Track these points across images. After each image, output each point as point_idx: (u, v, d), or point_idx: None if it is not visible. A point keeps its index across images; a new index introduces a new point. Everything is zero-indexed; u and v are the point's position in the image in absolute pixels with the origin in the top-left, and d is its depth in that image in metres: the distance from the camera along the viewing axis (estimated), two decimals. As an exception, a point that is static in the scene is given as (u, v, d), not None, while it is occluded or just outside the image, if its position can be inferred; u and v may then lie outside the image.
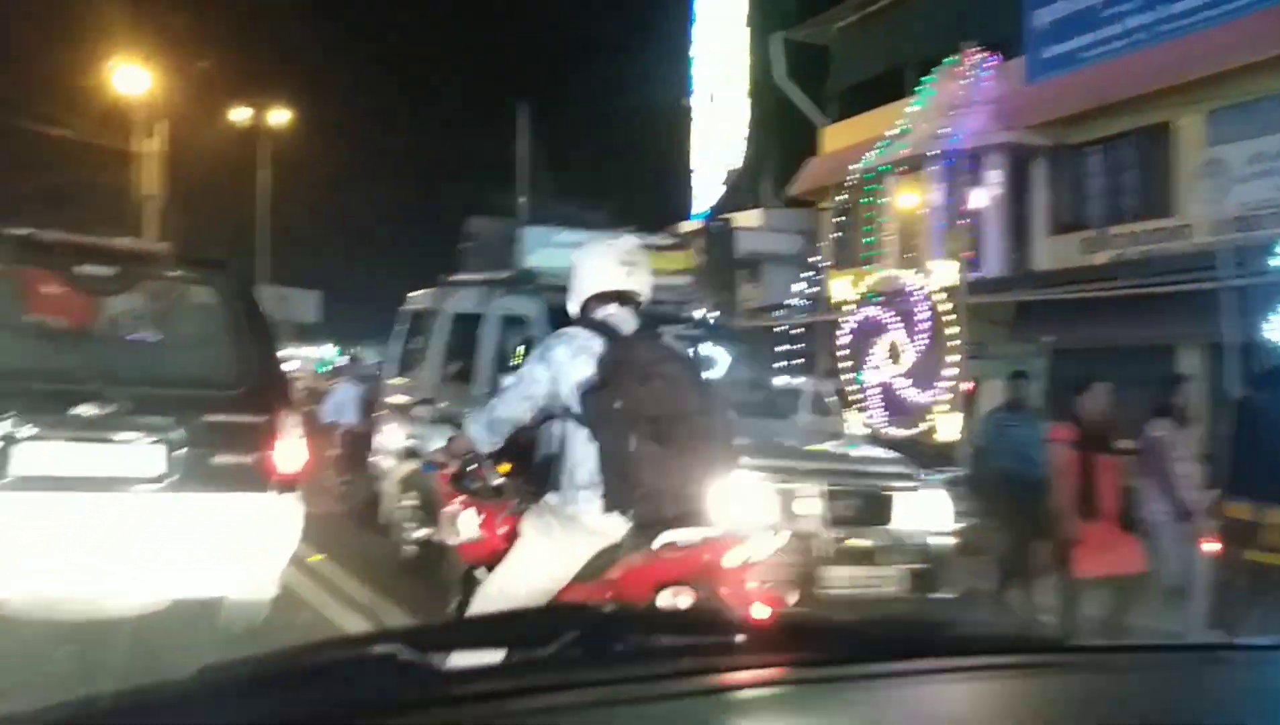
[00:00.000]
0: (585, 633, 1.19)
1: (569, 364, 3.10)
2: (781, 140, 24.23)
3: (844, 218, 19.16)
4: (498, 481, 3.34)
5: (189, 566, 4.52)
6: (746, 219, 22.67)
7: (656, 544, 2.98)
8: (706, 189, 27.56)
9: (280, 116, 40.17)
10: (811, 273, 18.77)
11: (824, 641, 1.37)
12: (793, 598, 3.22)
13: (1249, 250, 12.78)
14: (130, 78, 21.62)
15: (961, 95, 16.64)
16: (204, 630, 4.69)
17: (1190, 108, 14.15)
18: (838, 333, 11.62)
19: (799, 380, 17.52)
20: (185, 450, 4.48)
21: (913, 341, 10.64)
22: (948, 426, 10.36)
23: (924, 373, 10.53)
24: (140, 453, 4.45)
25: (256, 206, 38.85)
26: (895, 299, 10.96)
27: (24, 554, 4.26)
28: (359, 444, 9.13)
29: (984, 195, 16.08)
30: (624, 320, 3.20)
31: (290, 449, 4.73)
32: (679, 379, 3.08)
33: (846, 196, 18.17)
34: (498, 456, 3.31)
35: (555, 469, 3.13)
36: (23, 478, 4.27)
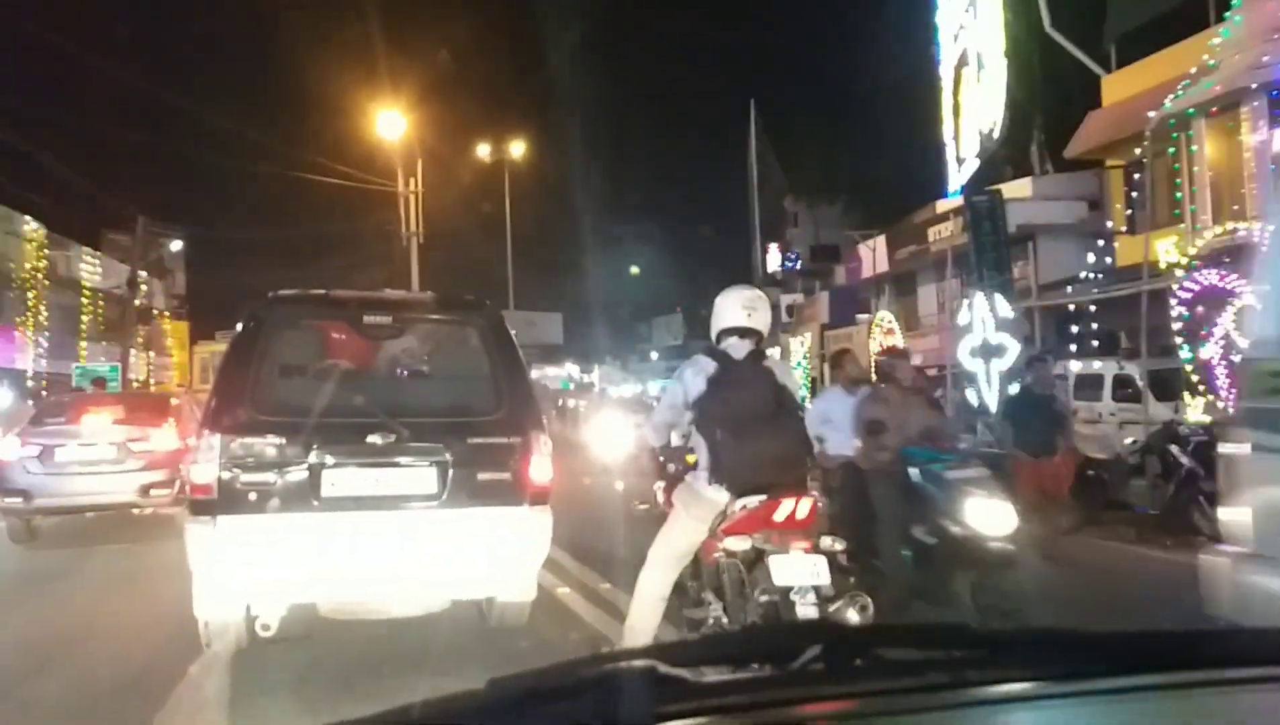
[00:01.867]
0: (828, 647, 1.22)
1: (691, 381, 4.40)
2: (1048, 99, 21.84)
3: (1140, 175, 16.79)
4: (672, 467, 4.98)
5: (463, 572, 5.17)
6: (1014, 190, 20.52)
7: (736, 506, 4.27)
8: (963, 163, 25.45)
9: (518, 148, 41.87)
10: (1103, 241, 16.56)
11: (1075, 653, 1.35)
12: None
13: None
14: (390, 123, 22.61)
15: (1282, 15, 13.99)
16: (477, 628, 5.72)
17: None
18: (1173, 303, 9.71)
19: (1097, 363, 15.51)
20: (456, 470, 5.07)
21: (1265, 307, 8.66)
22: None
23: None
24: (420, 474, 5.07)
25: (504, 236, 40.49)
26: (1246, 256, 8.97)
27: (332, 565, 4.96)
28: None
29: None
30: (737, 348, 4.45)
31: (541, 465, 5.23)
32: (759, 391, 4.32)
33: (1144, 150, 15.85)
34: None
35: (696, 459, 4.50)
36: (330, 499, 4.94)
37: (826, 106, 36.73)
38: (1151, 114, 15.67)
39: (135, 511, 9.96)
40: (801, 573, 4.08)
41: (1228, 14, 15.05)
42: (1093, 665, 1.29)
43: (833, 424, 6.67)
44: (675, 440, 4.88)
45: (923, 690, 1.22)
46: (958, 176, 25.60)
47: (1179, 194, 15.04)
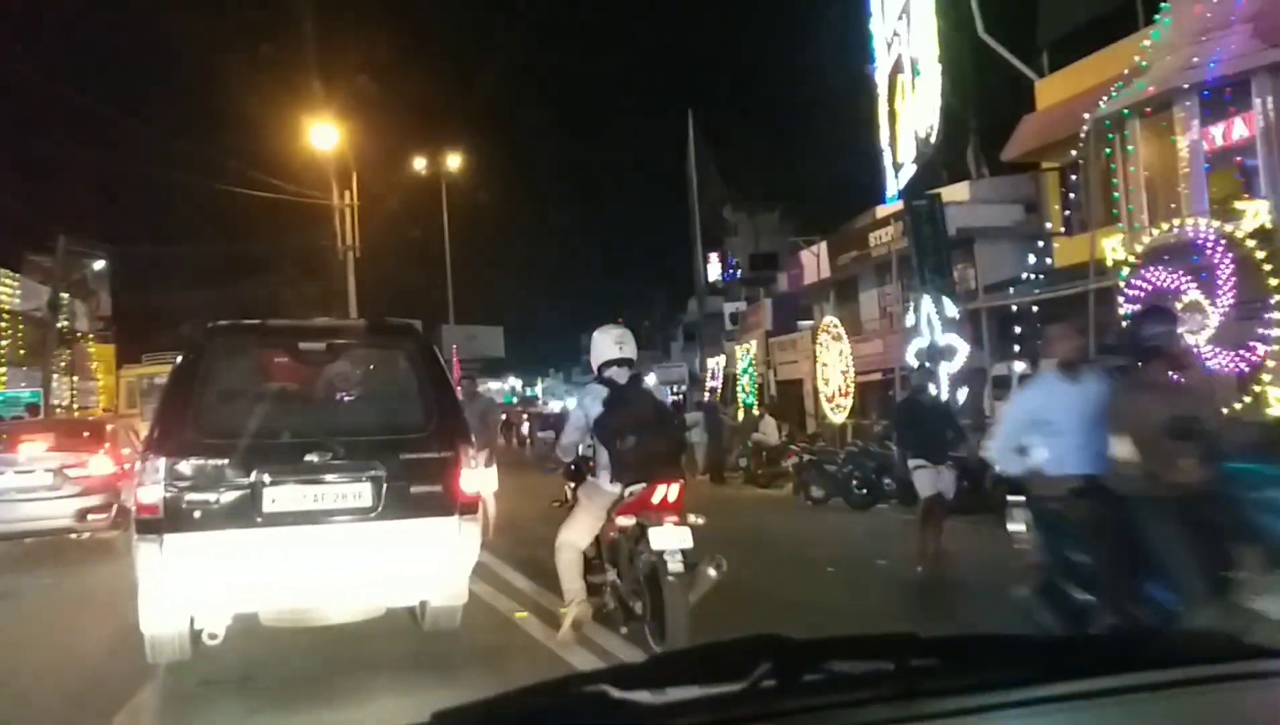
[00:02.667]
0: (778, 663, 1.21)
1: (590, 406, 5.76)
2: (982, 104, 22.06)
3: (1077, 176, 16.99)
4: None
5: (398, 580, 5.56)
6: (952, 194, 20.66)
7: (626, 494, 5.65)
8: (900, 169, 25.67)
9: (455, 160, 41.34)
10: (1043, 242, 16.72)
11: (1023, 659, 1.36)
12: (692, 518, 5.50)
13: None
14: (323, 135, 22.03)
15: (1210, 17, 14.25)
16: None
17: None
18: (1120, 301, 9.74)
19: (1016, 366, 15.62)
20: (390, 485, 5.44)
21: (1215, 302, 8.70)
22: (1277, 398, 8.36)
23: (1234, 338, 8.58)
24: (356, 489, 5.42)
25: (443, 250, 39.93)
26: (1186, 254, 9.03)
27: (273, 576, 5.29)
28: None
29: (1250, 128, 13.71)
30: (620, 375, 5.86)
31: (470, 478, 5.63)
32: (641, 406, 5.74)
33: (1080, 151, 16.04)
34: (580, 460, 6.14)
35: (594, 462, 5.88)
36: (270, 514, 5.27)
37: (764, 115, 36.89)
38: (1086, 116, 15.88)
39: (73, 536, 10.24)
40: (671, 539, 5.40)
41: (1157, 16, 15.33)
42: (1041, 671, 1.29)
43: (1052, 426, 4.80)
44: (583, 449, 6.13)
45: (874, 702, 1.21)
46: (895, 182, 25.86)
47: (1116, 194, 15.21)
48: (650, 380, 36.60)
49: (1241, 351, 8.54)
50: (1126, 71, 15.47)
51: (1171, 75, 14.30)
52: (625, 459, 5.57)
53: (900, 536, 10.97)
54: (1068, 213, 17.10)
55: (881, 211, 23.84)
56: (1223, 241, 8.63)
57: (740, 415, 20.42)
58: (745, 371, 21.86)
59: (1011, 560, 5.79)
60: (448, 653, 5.82)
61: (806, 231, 35.68)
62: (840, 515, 13.07)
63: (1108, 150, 15.45)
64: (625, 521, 5.62)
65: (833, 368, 16.68)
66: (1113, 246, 11.20)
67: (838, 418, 16.68)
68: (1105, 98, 15.43)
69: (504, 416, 46.87)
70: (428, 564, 5.51)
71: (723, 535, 10.65)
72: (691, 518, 5.53)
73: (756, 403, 20.68)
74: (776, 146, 35.47)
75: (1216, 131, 14.16)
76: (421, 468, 5.51)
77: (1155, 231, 9.87)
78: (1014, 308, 15.47)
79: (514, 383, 77.60)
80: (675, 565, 5.31)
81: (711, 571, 5.40)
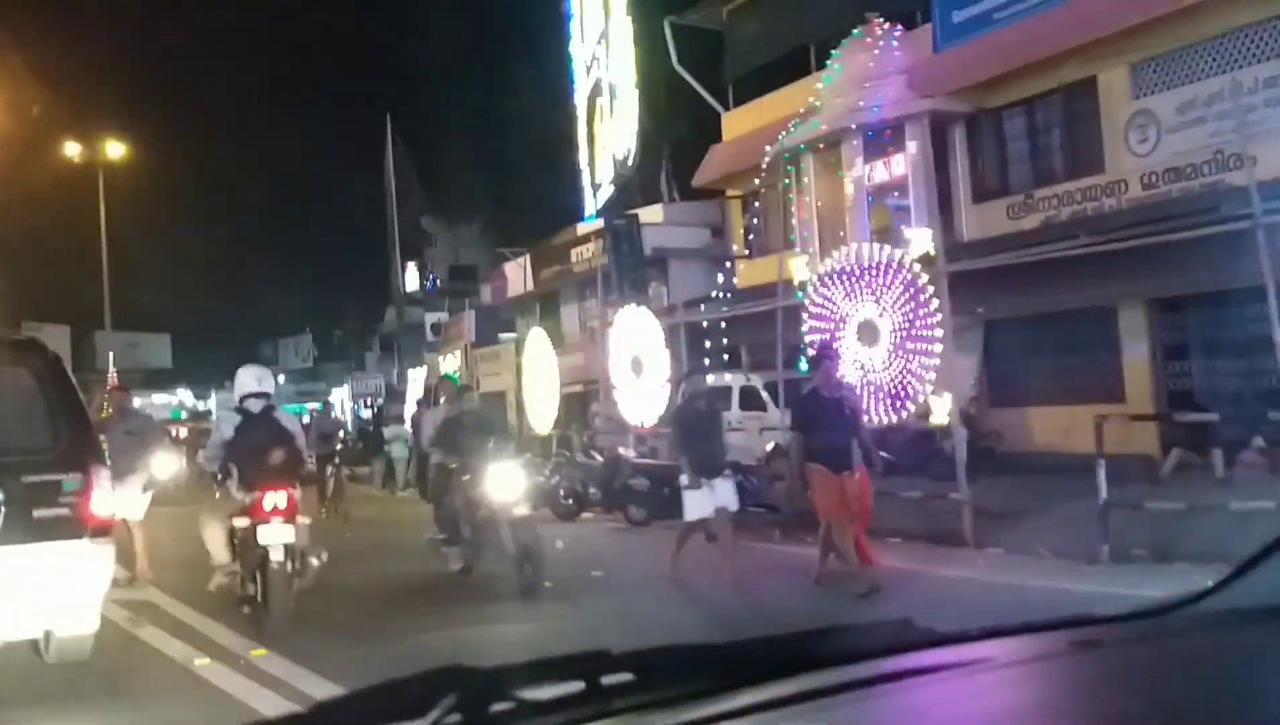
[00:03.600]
0: (463, 695, 1.15)
1: (226, 429, 7.21)
2: (677, 131, 23.36)
3: (759, 203, 18.39)
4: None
5: (17, 610, 5.22)
6: (647, 215, 21.68)
7: (248, 499, 6.78)
8: (598, 189, 26.53)
9: (115, 149, 37.42)
10: (729, 263, 17.94)
11: (719, 665, 1.35)
12: None
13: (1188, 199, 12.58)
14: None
15: (872, 67, 16.03)
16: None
17: (1114, 61, 13.83)
18: (805, 317, 10.64)
19: (727, 376, 16.72)
20: (9, 508, 5.22)
21: (889, 320, 9.76)
22: (940, 408, 9.51)
23: (904, 353, 9.66)
24: None
25: (101, 248, 36.04)
26: (860, 276, 10.06)
27: None
28: None
29: (906, 166, 15.55)
30: (255, 405, 7.26)
31: (102, 500, 5.53)
32: (266, 431, 7.09)
33: (761, 181, 17.39)
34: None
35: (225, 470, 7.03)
36: None
37: (466, 127, 36.56)
38: (768, 148, 17.26)
39: None
40: (275, 536, 6.57)
41: (828, 62, 16.99)
42: (735, 679, 1.28)
43: None
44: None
45: None
46: (594, 201, 26.70)
47: (794, 220, 16.64)
48: (342, 393, 34.82)
49: (910, 367, 9.60)
50: (803, 110, 17.00)
51: (841, 116, 15.90)
52: (248, 472, 6.85)
53: (613, 547, 11.27)
54: (751, 237, 18.45)
55: (582, 229, 24.49)
56: (894, 265, 9.67)
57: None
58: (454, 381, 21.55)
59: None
60: (118, 709, 5.23)
61: (508, 245, 35.87)
62: (547, 527, 13.19)
63: (786, 181, 16.87)
64: (241, 522, 6.82)
65: (538, 380, 16.88)
66: (798, 267, 12.28)
67: (543, 429, 16.88)
68: (784, 133, 16.86)
69: (178, 433, 42.94)
70: (52, 592, 5.29)
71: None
72: (299, 518, 6.77)
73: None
74: (478, 159, 35.31)
75: (878, 168, 15.91)
76: (46, 490, 5.36)
77: (835, 254, 10.86)
78: (704, 323, 16.41)
79: (184, 396, 71.67)
80: (276, 555, 6.58)
81: (314, 561, 6.91)
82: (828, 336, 10.47)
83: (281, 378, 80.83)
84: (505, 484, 7.91)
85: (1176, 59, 13.29)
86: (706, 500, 7.83)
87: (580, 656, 1.27)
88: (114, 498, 5.85)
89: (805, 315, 10.74)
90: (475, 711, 1.16)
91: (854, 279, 10.18)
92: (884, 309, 9.75)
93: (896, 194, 15.73)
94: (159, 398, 65.42)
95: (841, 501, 7.27)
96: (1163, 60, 13.45)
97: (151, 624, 7.09)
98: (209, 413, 71.41)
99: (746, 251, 19.28)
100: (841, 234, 15.09)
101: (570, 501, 13.75)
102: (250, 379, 7.32)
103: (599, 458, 14.09)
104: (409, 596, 8.04)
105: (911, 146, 15.50)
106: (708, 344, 16.69)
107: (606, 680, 1.24)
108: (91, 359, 42.65)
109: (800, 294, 13.65)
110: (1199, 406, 12.67)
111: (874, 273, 9.83)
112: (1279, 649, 1.38)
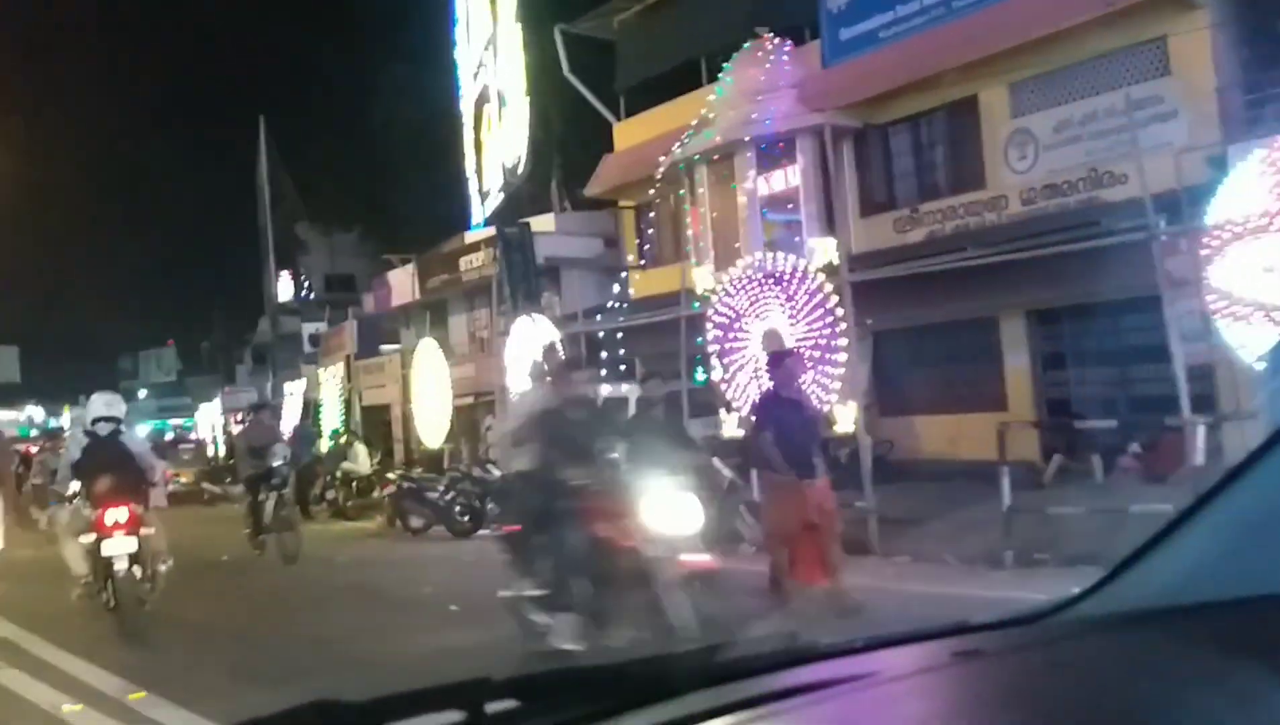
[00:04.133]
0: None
1: (74, 451, 8.08)
2: (568, 140, 23.23)
3: (653, 214, 18.41)
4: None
5: None
6: (539, 224, 21.43)
7: (93, 517, 7.70)
8: (486, 197, 26.12)
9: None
10: (624, 273, 17.88)
11: (603, 690, 1.32)
12: None
13: (1071, 214, 13.15)
14: None
15: (764, 80, 16.25)
16: None
17: (994, 81, 14.37)
18: (708, 326, 10.63)
19: (624, 387, 16.63)
20: None
21: (793, 329, 9.83)
22: (844, 416, 9.62)
23: (809, 363, 9.74)
24: None
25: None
26: (764, 285, 10.11)
27: None
28: None
29: (798, 179, 15.81)
30: (104, 428, 7.97)
31: None
32: (110, 453, 7.81)
33: (656, 191, 17.40)
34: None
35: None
36: None
37: (345, 131, 35.49)
38: (662, 159, 17.28)
39: None
40: (117, 547, 7.42)
41: (720, 75, 17.14)
42: (620, 702, 1.27)
43: None
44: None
45: None
46: (481, 210, 26.25)
47: (689, 231, 16.69)
48: (211, 408, 33.22)
49: (815, 376, 9.67)
50: (695, 122, 17.10)
51: (734, 128, 16.05)
52: (93, 491, 7.66)
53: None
54: (647, 247, 18.44)
55: (471, 237, 24.07)
56: (798, 274, 9.74)
57: (325, 444, 19.35)
58: (340, 396, 20.82)
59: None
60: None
61: (388, 253, 34.95)
62: (445, 544, 12.82)
63: (682, 191, 16.93)
64: (88, 538, 7.60)
65: (429, 392, 16.42)
66: (701, 276, 12.28)
67: (434, 443, 16.42)
68: (679, 144, 16.92)
69: (27, 451, 40.15)
70: None
71: (325, 581, 9.93)
72: (143, 530, 7.62)
73: (343, 430, 19.73)
74: (356, 165, 34.34)
75: (771, 180, 16.12)
76: None
77: (738, 263, 10.90)
78: (601, 333, 16.29)
79: (33, 412, 67.43)
80: (121, 565, 7.42)
81: (162, 567, 7.95)
82: (732, 346, 10.49)
83: (143, 392, 77.14)
84: (671, 514, 5.58)
85: (1053, 80, 13.89)
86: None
87: (460, 685, 1.20)
88: None
89: (709, 324, 10.73)
90: None
91: (758, 288, 10.22)
92: (788, 318, 9.82)
93: (790, 206, 15.96)
94: (4, 414, 61.27)
95: (799, 515, 6.45)
96: (1040, 81, 14.04)
97: (10, 664, 6.49)
98: (60, 429, 67.36)
99: (641, 262, 19.26)
100: (736, 245, 15.20)
101: (467, 518, 13.41)
102: (100, 404, 8.13)
103: (495, 472, 13.78)
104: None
105: (802, 160, 15.76)
106: (604, 355, 16.57)
107: (490, 707, 1.20)
108: (-73, 372, 39.66)
109: (696, 305, 13.69)
110: (1075, 414, 13.27)
111: (778, 282, 9.89)
112: (1153, 653, 1.40)
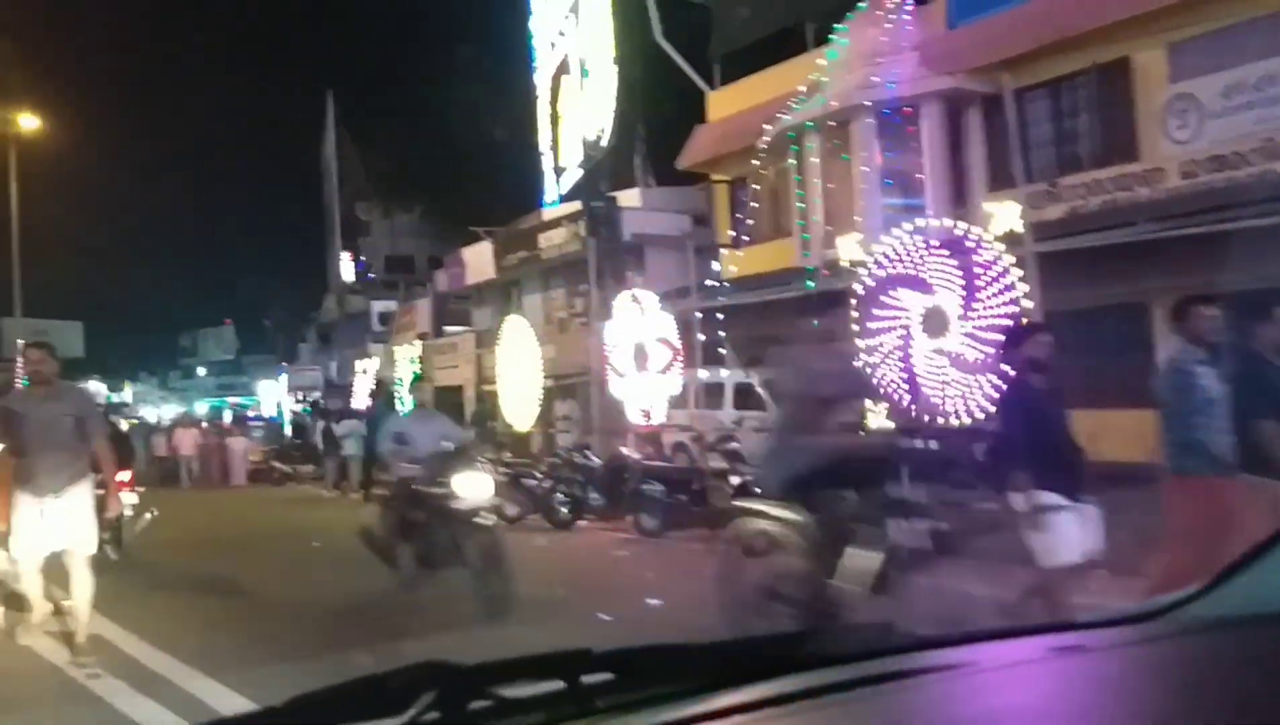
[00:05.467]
0: (442, 692, 1.15)
1: None
2: (651, 111, 22.06)
3: (754, 187, 17.24)
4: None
5: None
6: (624, 200, 20.36)
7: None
8: (562, 173, 25.10)
9: (30, 122, 34.73)
10: (721, 250, 16.74)
11: (701, 665, 1.38)
12: None
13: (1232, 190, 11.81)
14: None
15: (884, 41, 15.01)
16: None
17: (1150, 41, 12.99)
18: (853, 303, 9.47)
19: (724, 372, 15.54)
20: None
21: (965, 312, 8.63)
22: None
23: (983, 345, 8.55)
24: None
25: (11, 227, 33.34)
26: (925, 257, 8.93)
27: None
28: None
29: (924, 148, 14.57)
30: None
31: None
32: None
33: (760, 161, 16.25)
34: None
35: None
36: None
37: (408, 109, 34.75)
38: (767, 127, 16.12)
39: None
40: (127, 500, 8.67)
41: (832, 37, 15.92)
42: (714, 679, 1.30)
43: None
44: None
45: None
46: (555, 187, 25.25)
47: (801, 204, 15.52)
48: (271, 387, 32.87)
49: (986, 369, 8.49)
50: (804, 88, 15.91)
51: (851, 92, 14.83)
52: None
53: (637, 559, 9.88)
54: (750, 221, 17.29)
55: (549, 213, 23.07)
56: (971, 244, 8.54)
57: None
58: (415, 377, 19.95)
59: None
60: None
61: (455, 234, 34.14)
62: (549, 537, 11.83)
63: (793, 161, 15.75)
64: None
65: (517, 372, 15.45)
66: (846, 247, 11.12)
67: (522, 426, 15.45)
68: (788, 110, 15.75)
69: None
70: None
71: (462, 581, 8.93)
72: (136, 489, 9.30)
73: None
74: (420, 144, 33.63)
75: (891, 149, 14.87)
76: None
77: (896, 233, 9.73)
78: (699, 315, 15.20)
79: (97, 387, 68.27)
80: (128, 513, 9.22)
81: (148, 515, 9.76)
82: (882, 326, 9.34)
83: (202, 370, 77.52)
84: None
85: (1221, 39, 12.46)
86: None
87: (561, 655, 1.23)
88: None
89: (853, 301, 9.57)
90: (454, 708, 1.16)
91: (917, 260, 9.03)
92: (958, 295, 8.63)
93: (911, 178, 14.73)
94: (69, 388, 61.97)
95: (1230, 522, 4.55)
96: (1205, 41, 12.62)
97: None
98: (123, 405, 68.10)
99: (744, 237, 18.08)
100: (858, 220, 14.01)
101: (566, 509, 12.41)
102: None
103: (594, 459, 12.78)
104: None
105: (926, 127, 14.52)
106: (701, 337, 15.50)
107: (587, 679, 1.23)
108: (-3, 346, 39.84)
109: (811, 283, 12.55)
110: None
111: (947, 253, 8.70)
112: (1261, 655, 1.36)
